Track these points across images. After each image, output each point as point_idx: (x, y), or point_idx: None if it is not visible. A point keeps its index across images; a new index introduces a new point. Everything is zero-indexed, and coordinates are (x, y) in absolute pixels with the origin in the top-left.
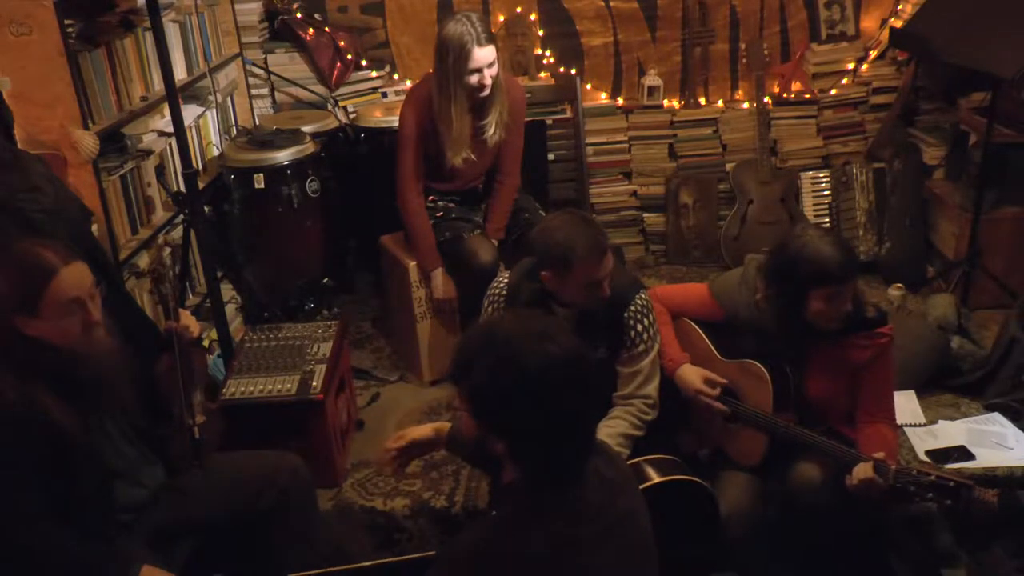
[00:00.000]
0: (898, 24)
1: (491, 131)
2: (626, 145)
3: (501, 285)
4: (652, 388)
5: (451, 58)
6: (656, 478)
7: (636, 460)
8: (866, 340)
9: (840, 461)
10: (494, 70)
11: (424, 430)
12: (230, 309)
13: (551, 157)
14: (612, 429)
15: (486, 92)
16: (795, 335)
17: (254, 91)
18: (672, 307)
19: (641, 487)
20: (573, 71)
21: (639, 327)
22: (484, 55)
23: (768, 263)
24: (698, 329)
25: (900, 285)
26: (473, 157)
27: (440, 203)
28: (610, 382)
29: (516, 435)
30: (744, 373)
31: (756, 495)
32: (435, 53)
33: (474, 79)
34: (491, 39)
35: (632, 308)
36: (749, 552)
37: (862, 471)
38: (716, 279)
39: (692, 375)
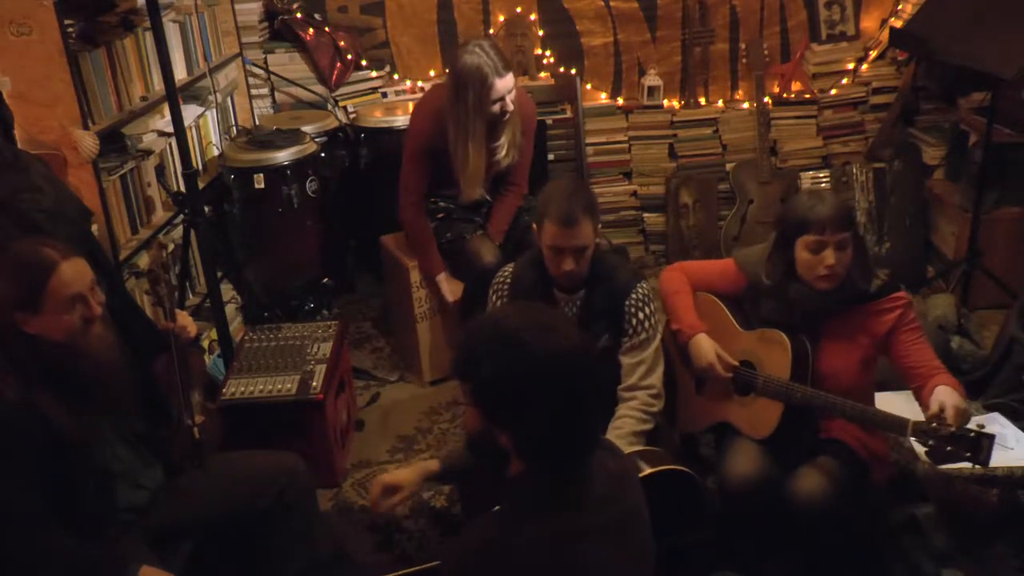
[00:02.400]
0: (898, 24)
1: (503, 153)
2: (626, 145)
3: (506, 274)
4: (656, 378)
5: (471, 94)
6: (647, 469)
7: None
8: (883, 306)
9: (856, 419)
10: (514, 94)
11: (401, 476)
12: (230, 309)
13: (551, 157)
14: (620, 430)
15: (507, 116)
16: (806, 299)
17: (254, 91)
18: (694, 279)
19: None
20: (573, 71)
21: (640, 315)
22: (504, 85)
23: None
24: (719, 302)
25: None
26: (488, 198)
27: (442, 204)
28: (614, 372)
29: (524, 427)
30: (764, 342)
31: (766, 459)
32: (451, 87)
33: (496, 107)
34: (508, 66)
35: (633, 296)
36: (752, 519)
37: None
38: (741, 250)
39: (707, 345)
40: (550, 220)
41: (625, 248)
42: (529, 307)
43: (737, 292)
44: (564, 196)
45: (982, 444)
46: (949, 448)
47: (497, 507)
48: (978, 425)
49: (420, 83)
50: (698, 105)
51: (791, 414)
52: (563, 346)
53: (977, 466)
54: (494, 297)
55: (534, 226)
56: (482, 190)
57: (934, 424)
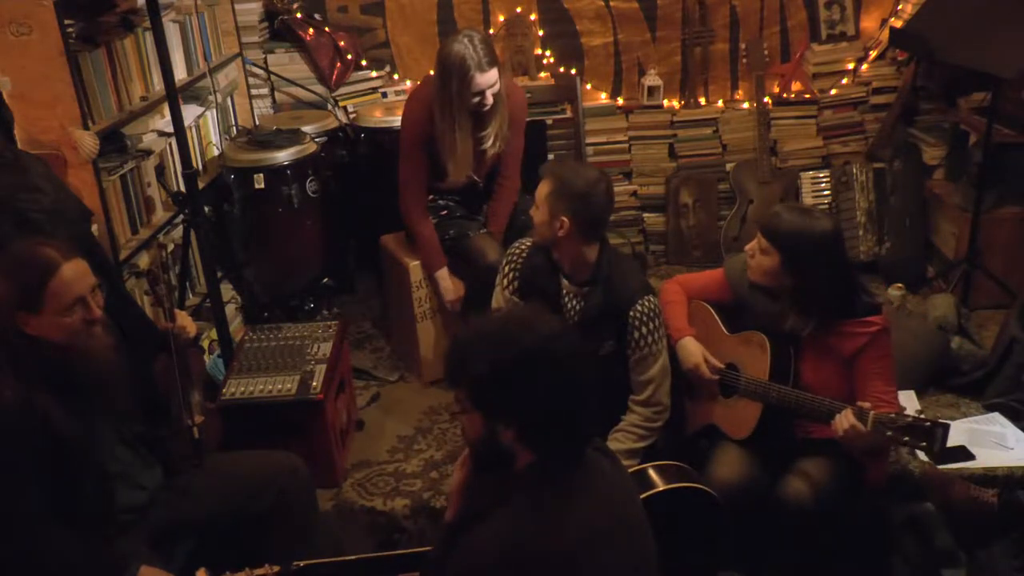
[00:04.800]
0: (898, 24)
1: (489, 142)
2: (626, 145)
3: (524, 246)
4: (663, 394)
5: (454, 83)
6: (661, 485)
7: (643, 466)
8: (856, 328)
9: (824, 417)
10: (496, 88)
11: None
12: (230, 309)
13: (551, 157)
14: (619, 444)
15: (487, 108)
16: (775, 314)
17: (254, 91)
18: (689, 290)
19: (647, 493)
20: (573, 71)
21: (644, 329)
22: (485, 80)
23: None
24: (709, 307)
25: (900, 285)
26: (476, 177)
27: (441, 202)
28: (618, 377)
29: (525, 415)
30: (746, 343)
31: (750, 463)
32: (437, 73)
33: (475, 100)
34: (493, 62)
35: (638, 308)
36: (747, 524)
37: (844, 420)
38: (732, 257)
39: (693, 347)
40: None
41: (644, 256)
42: (507, 309)
43: (727, 301)
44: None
45: (935, 433)
46: (906, 438)
47: (501, 510)
48: (957, 435)
49: (420, 83)
50: (698, 105)
51: (772, 414)
52: (547, 329)
53: (967, 463)
54: (506, 267)
55: (563, 219)
56: (470, 172)
57: (892, 415)
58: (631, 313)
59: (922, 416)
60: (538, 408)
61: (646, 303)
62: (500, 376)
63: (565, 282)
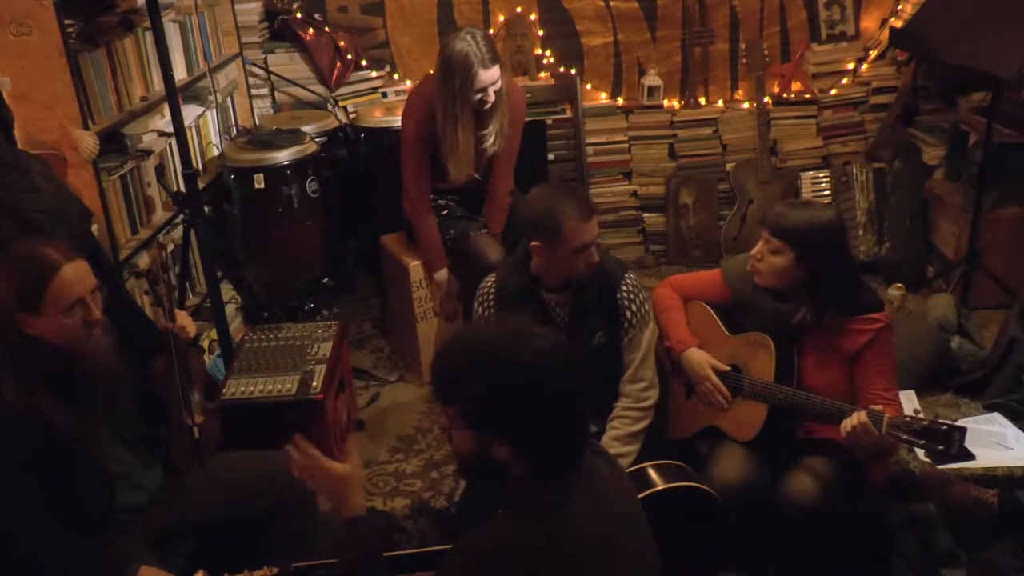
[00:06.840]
0: (898, 24)
1: (490, 141)
2: (626, 145)
3: (489, 284)
4: (649, 369)
5: (457, 80)
6: (660, 484)
7: (642, 465)
8: (859, 325)
9: (836, 418)
10: (498, 85)
11: None
12: (230, 309)
13: (551, 157)
14: (616, 431)
15: (489, 106)
16: (769, 308)
17: (254, 91)
18: (684, 293)
19: (647, 492)
20: (573, 71)
21: (634, 306)
22: (489, 76)
23: None
24: (707, 308)
25: (900, 285)
26: (477, 176)
27: (442, 201)
28: (611, 367)
29: (521, 432)
30: (749, 345)
31: (752, 463)
32: (439, 71)
33: (478, 97)
34: (495, 59)
35: (624, 288)
36: (748, 524)
37: (855, 418)
38: (729, 259)
39: (700, 358)
40: (574, 220)
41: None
42: (497, 319)
43: (725, 302)
44: (567, 194)
45: (953, 436)
46: (923, 441)
47: (501, 511)
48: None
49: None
50: (698, 105)
51: (777, 416)
52: (544, 343)
53: (967, 463)
54: (479, 309)
55: (534, 244)
56: (471, 171)
57: (907, 418)
58: (619, 294)
59: (939, 419)
60: (536, 425)
61: (629, 280)
62: (497, 395)
63: (546, 294)
